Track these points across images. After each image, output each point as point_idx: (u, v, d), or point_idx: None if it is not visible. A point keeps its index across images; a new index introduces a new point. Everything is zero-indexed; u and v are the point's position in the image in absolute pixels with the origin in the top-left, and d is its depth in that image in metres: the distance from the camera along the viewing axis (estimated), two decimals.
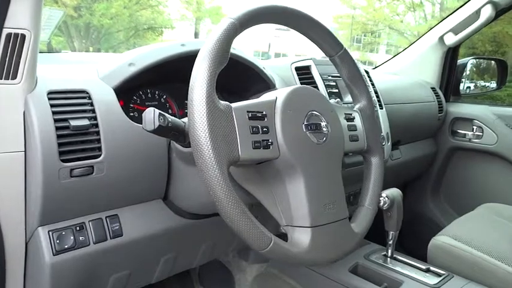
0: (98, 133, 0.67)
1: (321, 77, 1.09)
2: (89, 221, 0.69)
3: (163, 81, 0.89)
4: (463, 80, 1.85)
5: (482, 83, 2.35)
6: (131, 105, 0.85)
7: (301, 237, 0.60)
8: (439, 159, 1.77)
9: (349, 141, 0.73)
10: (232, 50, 0.86)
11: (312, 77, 1.09)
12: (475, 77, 2.29)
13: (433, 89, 1.69)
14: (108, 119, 0.68)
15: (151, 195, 0.78)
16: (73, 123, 0.64)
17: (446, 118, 1.73)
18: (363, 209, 0.74)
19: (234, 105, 0.58)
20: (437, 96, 1.68)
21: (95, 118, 0.67)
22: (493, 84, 2.03)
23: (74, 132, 0.64)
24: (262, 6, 0.62)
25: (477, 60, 2.11)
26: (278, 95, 0.63)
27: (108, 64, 0.77)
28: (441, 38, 1.69)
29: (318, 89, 1.08)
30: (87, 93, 0.69)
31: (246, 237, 0.54)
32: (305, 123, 0.63)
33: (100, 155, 0.67)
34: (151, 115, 0.57)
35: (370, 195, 0.75)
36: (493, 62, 2.10)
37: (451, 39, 1.65)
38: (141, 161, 0.72)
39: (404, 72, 1.78)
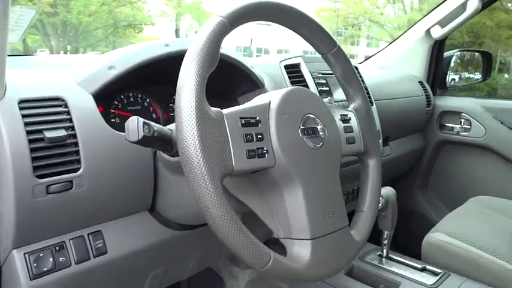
0: (76, 144, 0.62)
1: (311, 75, 1.06)
2: (69, 240, 0.64)
3: (146, 84, 0.84)
4: (449, 72, 1.84)
5: (467, 74, 2.36)
6: (112, 110, 0.80)
7: (301, 251, 0.56)
8: (428, 153, 1.76)
9: (346, 144, 0.69)
10: None
11: (302, 75, 1.05)
12: (459, 69, 2.29)
13: (420, 82, 1.67)
14: (87, 128, 0.63)
15: (137, 208, 0.73)
16: (48, 134, 0.59)
17: (434, 112, 1.71)
18: (362, 215, 0.70)
19: (225, 111, 0.53)
20: (425, 90, 1.66)
21: (73, 128, 0.62)
22: (477, 76, 2.03)
23: (49, 144, 0.59)
24: (253, 2, 0.58)
25: (461, 52, 2.10)
26: (272, 98, 0.59)
27: (86, 67, 0.71)
28: (428, 31, 1.67)
29: (308, 87, 1.04)
30: (63, 100, 0.63)
31: (243, 255, 0.50)
32: (301, 127, 0.59)
33: (79, 169, 0.61)
34: (134, 124, 0.52)
35: (369, 200, 0.71)
36: (476, 53, 2.11)
37: (437, 32, 1.64)
38: (124, 172, 0.67)
39: (391, 67, 1.76)
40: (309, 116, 0.61)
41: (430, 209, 1.77)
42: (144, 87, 0.84)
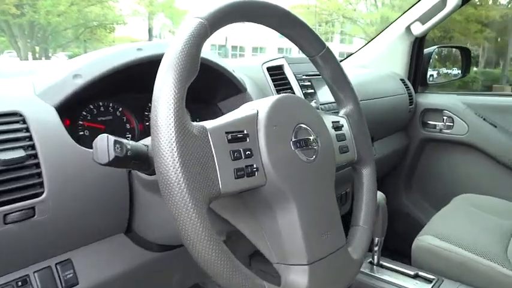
0: (37, 165, 0.54)
1: (295, 77, 1.00)
2: (33, 272, 0.56)
3: (118, 92, 0.76)
4: (429, 69, 1.82)
5: (445, 70, 2.36)
6: (80, 122, 0.72)
7: (298, 278, 0.50)
8: (411, 152, 1.74)
9: (339, 153, 0.64)
10: None
11: (286, 78, 1.00)
12: (437, 65, 2.29)
13: (402, 80, 1.64)
14: (49, 146, 0.55)
15: (111, 230, 0.65)
16: (3, 156, 0.51)
17: (417, 110, 1.69)
18: (358, 230, 0.65)
19: (209, 126, 0.47)
20: (407, 87, 1.64)
21: (33, 147, 0.54)
22: (455, 71, 2.03)
23: (5, 167, 0.51)
24: (236, 2, 0.51)
25: (439, 48, 2.09)
26: (259, 108, 0.53)
27: (47, 76, 0.64)
28: (408, 28, 1.64)
29: (293, 90, 0.99)
30: (21, 115, 0.55)
31: None
32: (293, 139, 0.53)
33: (42, 193, 0.54)
34: (104, 144, 0.45)
35: (365, 213, 0.66)
36: (454, 49, 2.11)
37: (418, 29, 1.61)
38: (95, 193, 0.60)
39: (372, 64, 1.73)
40: (300, 126, 0.55)
41: (415, 209, 1.75)
42: (116, 96, 0.77)
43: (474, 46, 11.61)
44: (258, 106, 0.53)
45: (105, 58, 0.66)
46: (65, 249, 0.60)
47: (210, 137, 0.46)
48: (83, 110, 0.72)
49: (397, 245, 1.41)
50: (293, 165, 0.52)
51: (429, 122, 1.69)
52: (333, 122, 0.66)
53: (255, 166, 0.49)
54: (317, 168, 0.55)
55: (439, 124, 1.65)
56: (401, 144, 1.69)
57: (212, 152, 0.45)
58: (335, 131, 0.65)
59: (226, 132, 0.47)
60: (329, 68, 0.67)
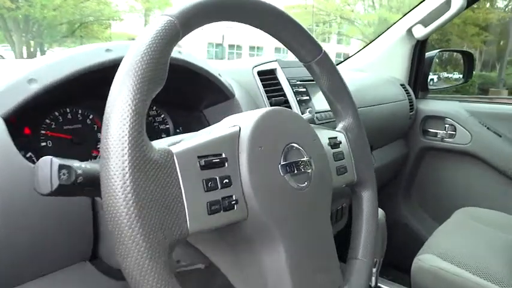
0: None
1: (289, 82, 0.91)
2: None
3: (87, 97, 0.67)
4: (431, 74, 1.75)
5: (446, 74, 2.29)
6: (43, 131, 0.63)
7: None
8: (411, 161, 1.66)
9: (336, 175, 0.56)
10: (178, 55, 0.66)
11: (278, 83, 0.91)
12: (438, 70, 2.21)
13: (402, 85, 1.56)
14: None
15: (72, 258, 0.57)
16: None
17: (417, 116, 1.61)
18: (356, 264, 0.57)
19: (176, 150, 0.38)
20: (407, 93, 1.56)
21: None
22: (456, 76, 1.96)
23: None
24: None
25: (441, 52, 2.02)
26: (242, 124, 0.44)
27: None
28: (409, 31, 1.56)
29: (286, 97, 0.90)
30: None
31: None
32: (282, 162, 0.45)
33: None
34: (45, 169, 0.36)
35: (364, 244, 0.58)
36: (455, 54, 2.03)
37: (420, 32, 1.53)
38: (51, 217, 0.51)
39: (371, 68, 1.65)
40: (292, 146, 0.47)
41: (414, 220, 1.67)
42: (84, 102, 0.68)
43: (471, 49, 11.61)
44: (241, 122, 0.44)
45: (68, 60, 0.57)
46: (15, 282, 0.51)
47: (176, 164, 0.37)
48: (46, 118, 0.63)
49: (395, 258, 1.33)
50: (281, 195, 0.44)
51: (430, 129, 1.61)
52: (329, 138, 0.57)
53: (234, 198, 0.40)
54: (310, 196, 0.47)
55: (441, 132, 1.57)
56: (401, 152, 1.61)
57: (179, 182, 0.36)
58: (332, 148, 0.57)
59: (199, 157, 0.39)
60: (326, 75, 0.59)
